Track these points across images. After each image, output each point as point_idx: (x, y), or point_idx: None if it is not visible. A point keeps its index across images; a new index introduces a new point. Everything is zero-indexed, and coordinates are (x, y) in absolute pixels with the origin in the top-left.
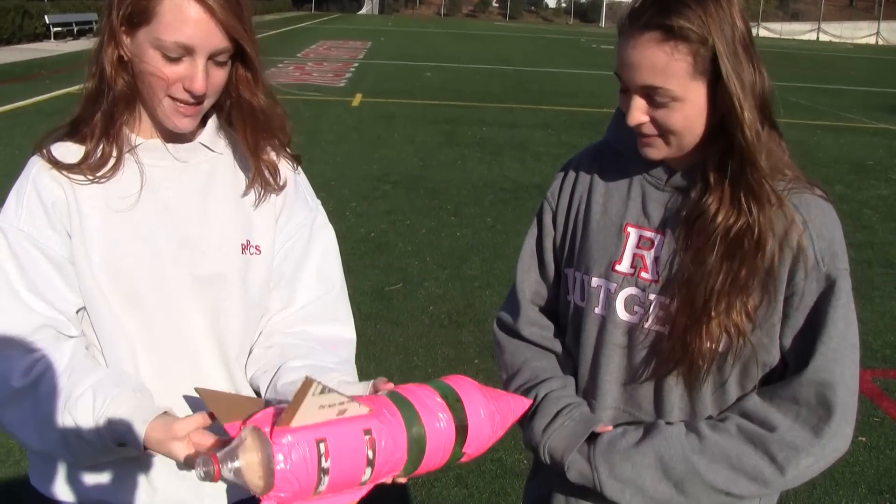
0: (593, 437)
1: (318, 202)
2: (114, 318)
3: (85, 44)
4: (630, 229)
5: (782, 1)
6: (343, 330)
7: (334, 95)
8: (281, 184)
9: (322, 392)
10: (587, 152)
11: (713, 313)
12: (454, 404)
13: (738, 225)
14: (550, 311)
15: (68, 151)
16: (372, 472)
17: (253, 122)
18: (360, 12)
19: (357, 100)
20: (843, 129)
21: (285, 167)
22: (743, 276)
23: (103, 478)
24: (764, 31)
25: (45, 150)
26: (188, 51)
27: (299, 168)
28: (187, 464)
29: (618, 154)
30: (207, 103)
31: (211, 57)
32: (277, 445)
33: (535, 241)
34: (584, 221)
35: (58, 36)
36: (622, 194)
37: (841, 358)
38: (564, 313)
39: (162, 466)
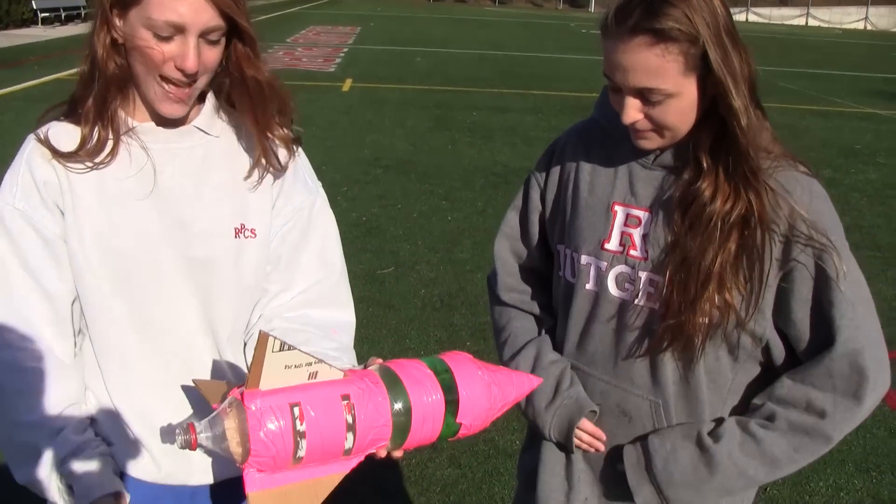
0: (645, 450)
1: (319, 184)
2: (103, 297)
3: (73, 29)
4: (617, 208)
5: None
6: (343, 313)
7: (325, 80)
8: (282, 165)
9: (282, 349)
10: (575, 129)
11: (708, 292)
12: (442, 373)
13: (735, 209)
14: (536, 278)
15: (64, 132)
16: (354, 438)
17: (261, 99)
18: None
19: (347, 85)
20: (831, 114)
21: (285, 148)
22: (736, 255)
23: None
24: (753, 16)
25: (41, 133)
26: (179, 29)
27: (300, 149)
28: (168, 433)
29: (605, 132)
30: (200, 83)
31: (202, 35)
32: (248, 410)
33: (519, 215)
34: (572, 199)
35: (45, 21)
36: (609, 173)
37: (860, 322)
38: (556, 287)
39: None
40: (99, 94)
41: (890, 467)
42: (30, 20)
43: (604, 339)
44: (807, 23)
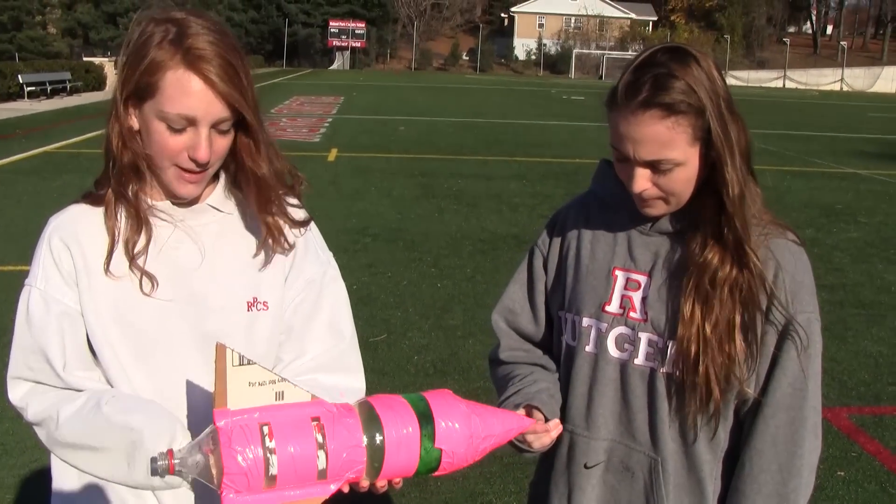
0: None
1: (330, 255)
2: (122, 369)
3: (58, 102)
4: (618, 272)
5: (749, 49)
6: (352, 379)
7: (310, 150)
8: (290, 244)
9: (241, 363)
10: (575, 202)
11: (709, 355)
12: (418, 402)
13: (729, 274)
14: (540, 347)
15: (80, 212)
16: (327, 458)
17: (257, 188)
18: (331, 67)
19: (333, 154)
20: (812, 174)
21: (293, 228)
22: (730, 318)
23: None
24: (731, 79)
25: (60, 215)
26: (191, 121)
27: (311, 223)
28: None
29: (603, 203)
30: (212, 170)
31: (213, 126)
32: (218, 428)
33: (525, 288)
34: (574, 266)
35: (31, 95)
36: (609, 240)
37: (810, 396)
38: (558, 353)
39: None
40: (117, 179)
41: None
42: (16, 94)
43: (605, 399)
44: (784, 85)
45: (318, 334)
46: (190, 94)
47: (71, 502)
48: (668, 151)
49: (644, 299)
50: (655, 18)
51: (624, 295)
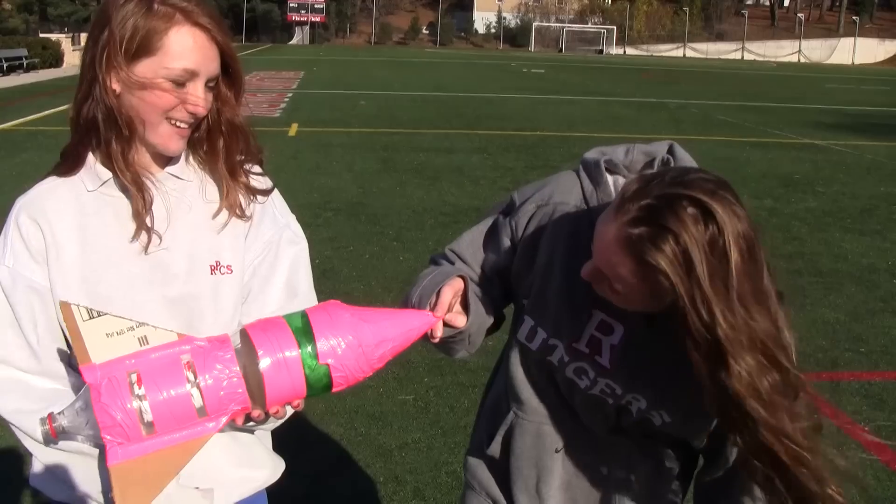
0: None
1: (291, 218)
2: None
3: (15, 80)
4: (595, 311)
5: (707, 21)
6: None
7: (270, 126)
8: (249, 213)
9: (91, 317)
10: (566, 218)
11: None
12: (294, 319)
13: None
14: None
15: (47, 189)
16: (202, 395)
17: (233, 142)
18: (290, 42)
19: (293, 129)
20: (770, 145)
21: (257, 195)
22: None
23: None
24: (690, 51)
25: (27, 194)
26: (192, 74)
27: (275, 190)
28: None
29: (587, 234)
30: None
31: (206, 81)
32: (89, 384)
33: (482, 246)
34: (546, 277)
35: None
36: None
37: None
38: (511, 333)
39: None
40: (106, 140)
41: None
42: None
43: (555, 403)
44: (742, 56)
45: (274, 296)
46: (194, 48)
47: (53, 475)
48: (618, 282)
49: (612, 347)
50: None
51: (593, 335)
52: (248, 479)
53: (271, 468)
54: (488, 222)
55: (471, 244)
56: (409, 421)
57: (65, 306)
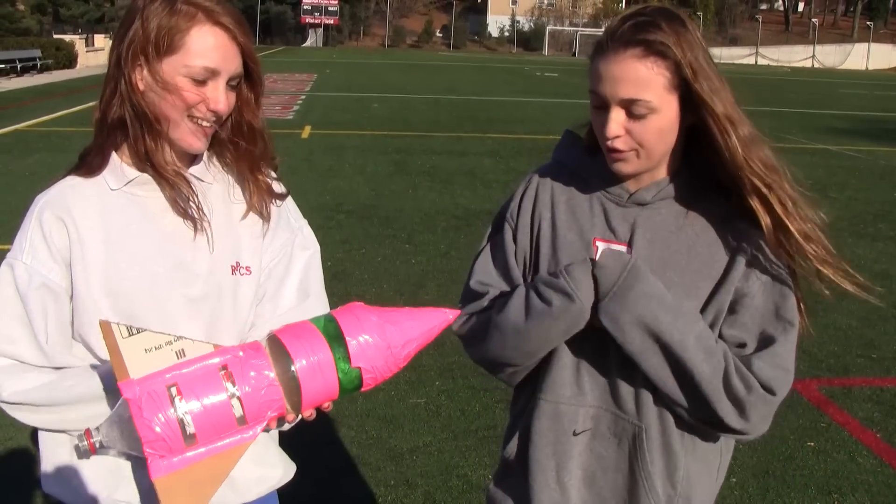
0: None
1: (304, 223)
2: None
3: (29, 80)
4: (598, 243)
5: (721, 26)
6: None
7: (283, 128)
8: (267, 213)
9: (131, 334)
10: (541, 172)
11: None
12: (324, 323)
13: (717, 242)
14: None
15: (69, 186)
16: (242, 405)
17: (252, 145)
18: (304, 45)
19: (306, 132)
20: (783, 151)
21: (274, 199)
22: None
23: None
24: None
25: (49, 191)
26: (213, 73)
27: (288, 196)
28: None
29: (573, 174)
30: (216, 126)
31: (228, 80)
32: (128, 400)
33: (496, 260)
34: (550, 237)
35: (1, 73)
36: (584, 210)
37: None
38: None
39: None
40: (134, 136)
41: (850, 489)
42: None
43: (590, 366)
44: (756, 62)
45: (287, 298)
46: (216, 47)
47: (64, 478)
48: (643, 91)
49: None
50: None
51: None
52: (264, 478)
53: (283, 468)
54: (486, 245)
55: (485, 269)
56: (421, 424)
57: (104, 325)
